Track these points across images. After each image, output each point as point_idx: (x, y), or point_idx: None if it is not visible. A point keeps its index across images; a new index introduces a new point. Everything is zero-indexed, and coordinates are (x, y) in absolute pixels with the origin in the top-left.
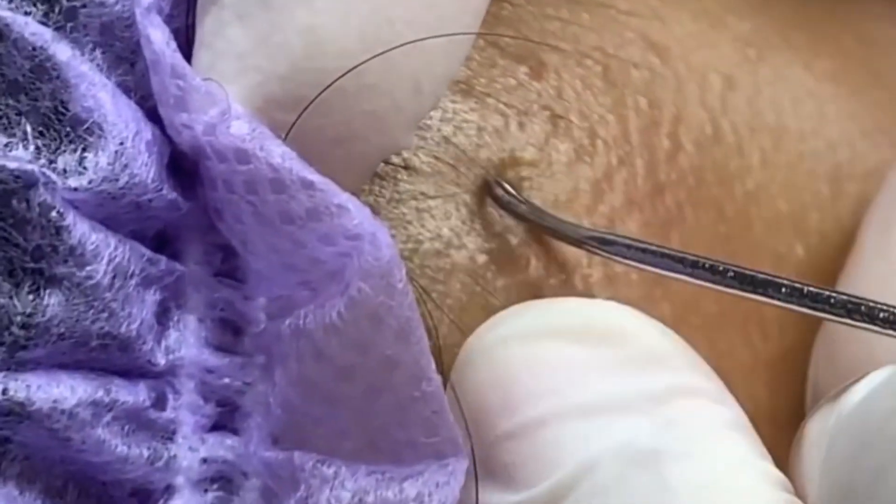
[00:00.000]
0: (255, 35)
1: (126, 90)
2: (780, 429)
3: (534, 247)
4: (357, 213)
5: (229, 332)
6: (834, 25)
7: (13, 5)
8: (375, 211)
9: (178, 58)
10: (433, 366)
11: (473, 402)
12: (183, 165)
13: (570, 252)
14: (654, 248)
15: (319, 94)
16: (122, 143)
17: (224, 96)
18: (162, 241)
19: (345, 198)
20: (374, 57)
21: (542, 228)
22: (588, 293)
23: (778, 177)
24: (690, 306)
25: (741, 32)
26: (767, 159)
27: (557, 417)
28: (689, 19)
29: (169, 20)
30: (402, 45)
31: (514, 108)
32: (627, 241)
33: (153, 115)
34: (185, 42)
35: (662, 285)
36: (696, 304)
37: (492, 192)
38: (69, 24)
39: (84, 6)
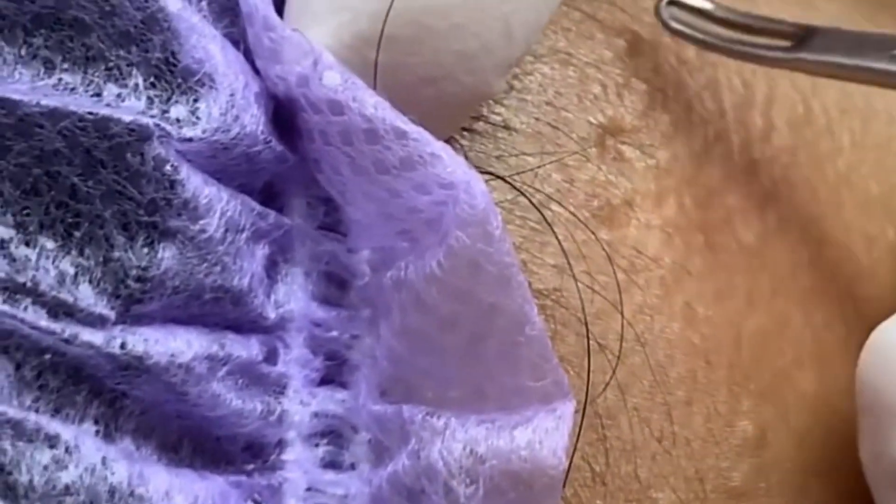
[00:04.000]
0: None
1: (233, 42)
2: None
3: (635, 207)
4: (450, 162)
5: (334, 285)
6: None
7: None
8: (475, 164)
9: (271, 10)
10: (535, 310)
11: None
12: (283, 119)
13: (671, 212)
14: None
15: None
16: (232, 95)
17: (316, 47)
18: (268, 195)
19: (438, 146)
20: None
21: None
22: (686, 259)
23: (868, 158)
24: (788, 278)
25: (830, 14)
26: (857, 141)
27: None
28: (778, 0)
29: None
30: None
31: (614, 80)
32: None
33: (256, 69)
34: None
35: (761, 256)
36: (793, 277)
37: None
38: None
39: None
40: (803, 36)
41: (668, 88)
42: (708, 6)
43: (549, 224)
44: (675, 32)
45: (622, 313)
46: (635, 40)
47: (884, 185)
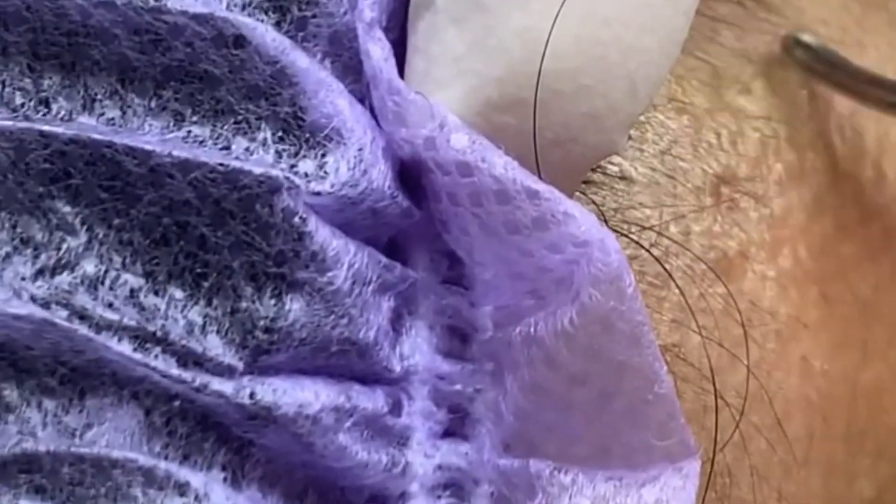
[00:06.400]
0: (470, 38)
1: (358, 99)
2: None
3: (751, 258)
4: (584, 220)
5: (457, 339)
6: None
7: (246, 13)
8: (601, 218)
9: (395, 73)
10: (665, 368)
11: None
12: (408, 177)
13: (786, 264)
14: None
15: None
16: (360, 149)
17: (441, 109)
18: (392, 249)
19: (570, 205)
20: None
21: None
22: (801, 311)
23: None
24: None
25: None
26: None
27: None
28: (886, 45)
29: (386, 33)
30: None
31: (727, 128)
32: None
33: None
34: (401, 52)
35: (876, 307)
36: None
37: (791, 52)
38: (300, 34)
39: (314, 16)
40: None
41: (780, 136)
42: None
43: (673, 280)
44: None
45: (748, 367)
46: (747, 87)
47: None
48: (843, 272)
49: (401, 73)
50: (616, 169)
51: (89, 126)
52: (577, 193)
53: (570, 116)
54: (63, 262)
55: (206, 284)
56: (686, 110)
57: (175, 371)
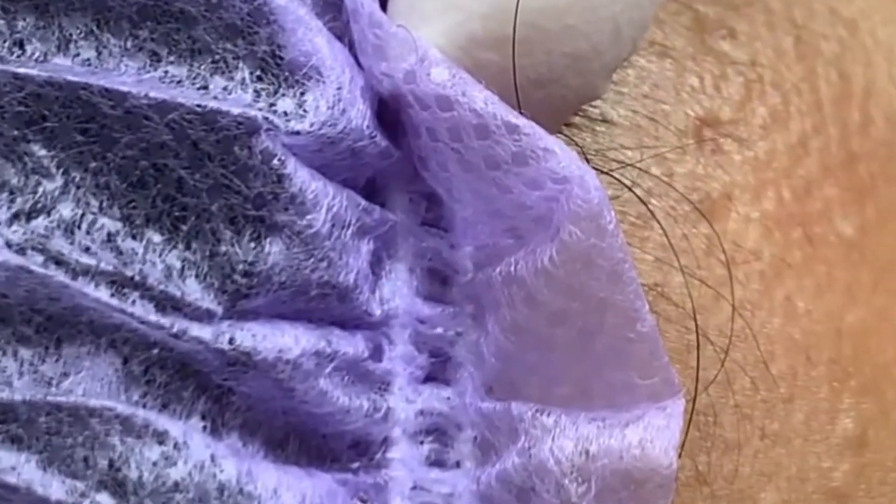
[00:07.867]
0: None
1: (336, 37)
2: None
3: (734, 200)
4: (564, 156)
5: (437, 281)
6: None
7: None
8: (584, 158)
9: (376, 7)
10: (647, 307)
11: None
12: (386, 115)
13: (770, 205)
14: None
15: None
16: (339, 88)
17: (423, 43)
18: (370, 191)
19: (551, 141)
20: None
21: None
22: (785, 252)
23: None
24: (887, 272)
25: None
26: None
27: None
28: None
29: None
30: None
31: (710, 72)
32: None
33: (359, 64)
34: None
35: (860, 249)
36: (892, 271)
37: None
38: None
39: None
40: None
41: (764, 80)
42: None
43: (656, 220)
44: None
45: (733, 305)
46: (731, 33)
47: None
48: (828, 214)
49: (383, 8)
50: (597, 111)
51: (64, 67)
52: (558, 135)
53: (554, 56)
54: (39, 206)
55: (184, 228)
56: (668, 54)
57: (153, 317)
